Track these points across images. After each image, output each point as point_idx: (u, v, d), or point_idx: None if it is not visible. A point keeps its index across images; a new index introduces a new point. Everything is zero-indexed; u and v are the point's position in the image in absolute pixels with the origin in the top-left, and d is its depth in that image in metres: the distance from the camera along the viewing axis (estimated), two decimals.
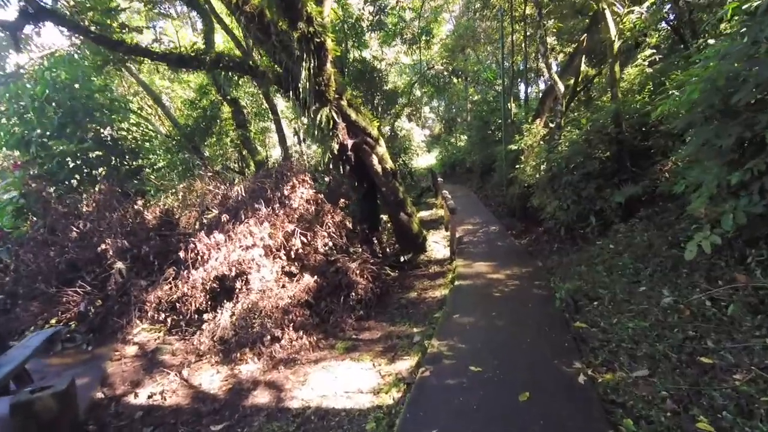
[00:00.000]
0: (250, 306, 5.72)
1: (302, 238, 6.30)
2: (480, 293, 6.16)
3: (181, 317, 6.22)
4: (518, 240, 9.55)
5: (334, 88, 6.65)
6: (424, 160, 31.82)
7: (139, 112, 13.68)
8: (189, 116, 13.30)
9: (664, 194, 6.82)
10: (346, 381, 4.18)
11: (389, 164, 7.86)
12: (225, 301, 6.10)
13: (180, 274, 6.40)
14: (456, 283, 6.72)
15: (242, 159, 15.99)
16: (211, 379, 4.55)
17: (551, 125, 10.86)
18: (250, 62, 7.91)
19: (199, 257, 6.24)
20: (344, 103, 6.99)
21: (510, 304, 5.60)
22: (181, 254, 6.10)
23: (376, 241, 7.82)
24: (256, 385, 4.28)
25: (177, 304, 6.32)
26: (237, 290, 6.00)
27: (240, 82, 12.20)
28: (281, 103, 18.54)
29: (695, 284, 4.55)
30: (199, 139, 12.88)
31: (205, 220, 7.64)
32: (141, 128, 11.05)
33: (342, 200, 7.47)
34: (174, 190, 10.57)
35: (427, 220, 12.99)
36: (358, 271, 6.57)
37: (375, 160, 7.61)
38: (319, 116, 6.51)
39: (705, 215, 4.74)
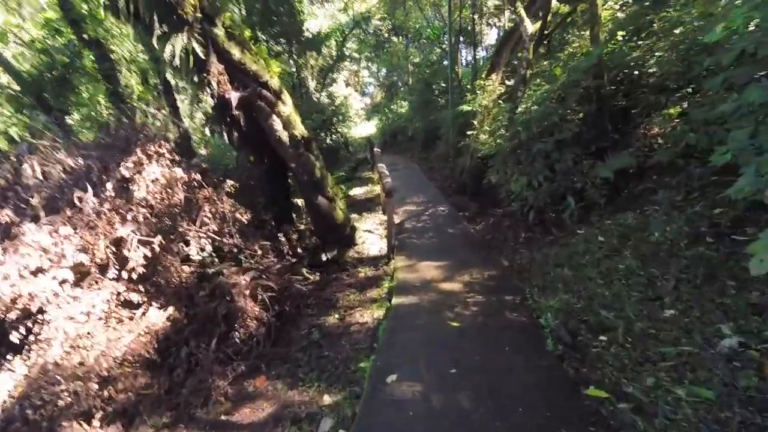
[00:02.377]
0: (44, 369, 3.32)
1: (145, 247, 3.90)
2: (429, 322, 4.20)
3: None
4: (473, 225, 7.81)
5: (194, 2, 4.12)
6: (363, 128, 29.52)
7: None
8: (35, 63, 9.78)
9: (658, 166, 5.33)
10: None
11: (299, 130, 5.55)
12: (10, 356, 3.65)
13: None
14: (394, 300, 4.75)
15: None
16: None
17: (508, 82, 9.08)
18: None
19: None
20: (219, 32, 4.50)
21: (476, 346, 3.68)
22: None
23: (283, 238, 5.58)
24: None
25: None
26: (29, 340, 3.56)
27: (106, 17, 8.94)
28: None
29: (760, 310, 2.96)
30: (53, 95, 9.50)
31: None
32: None
33: (230, 182, 5.10)
34: None
35: (362, 200, 10.93)
36: (247, 291, 4.35)
37: (277, 123, 5.26)
38: (169, 47, 3.99)
39: None
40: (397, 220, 8.51)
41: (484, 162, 8.09)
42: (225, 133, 5.04)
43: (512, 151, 6.51)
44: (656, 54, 6.03)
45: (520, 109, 6.69)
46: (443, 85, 16.34)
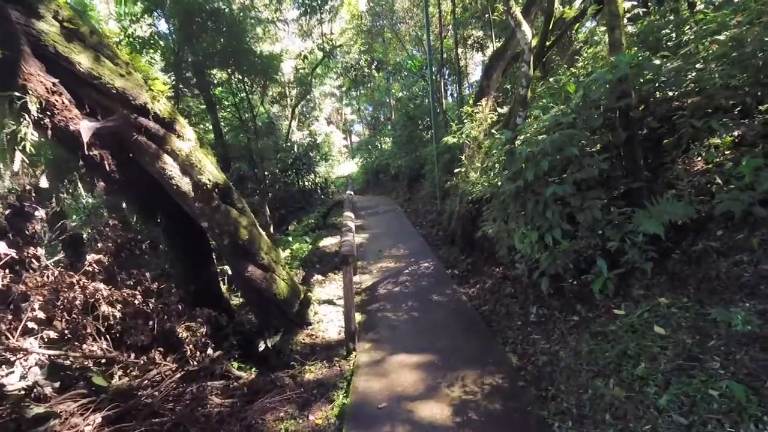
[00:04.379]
0: None
1: None
2: None
3: None
4: (464, 288, 6.16)
5: None
6: (346, 168, 28.38)
7: None
8: None
9: (724, 216, 3.85)
10: None
11: (210, 175, 3.95)
12: None
13: None
14: None
15: None
16: None
17: (501, 110, 7.76)
18: None
19: None
20: (47, 27, 2.94)
21: None
22: None
23: (185, 333, 3.82)
24: None
25: None
26: None
27: None
28: None
29: None
30: None
31: None
32: None
33: (94, 256, 3.46)
34: None
35: (332, 253, 9.25)
36: None
37: (170, 167, 3.66)
38: None
39: None
40: (369, 282, 6.86)
41: (476, 207, 6.59)
42: (78, 181, 3.42)
43: (514, 195, 4.98)
44: (697, 66, 4.68)
45: (521, 139, 5.25)
46: (428, 119, 15.28)
